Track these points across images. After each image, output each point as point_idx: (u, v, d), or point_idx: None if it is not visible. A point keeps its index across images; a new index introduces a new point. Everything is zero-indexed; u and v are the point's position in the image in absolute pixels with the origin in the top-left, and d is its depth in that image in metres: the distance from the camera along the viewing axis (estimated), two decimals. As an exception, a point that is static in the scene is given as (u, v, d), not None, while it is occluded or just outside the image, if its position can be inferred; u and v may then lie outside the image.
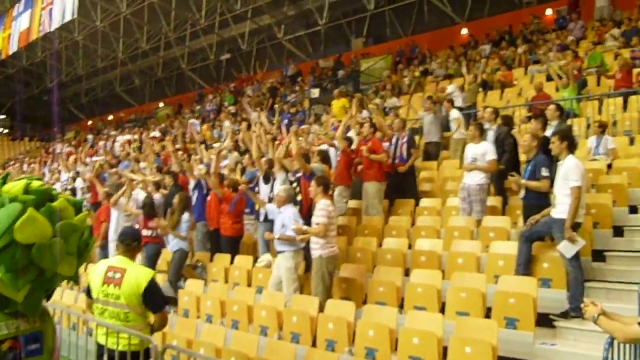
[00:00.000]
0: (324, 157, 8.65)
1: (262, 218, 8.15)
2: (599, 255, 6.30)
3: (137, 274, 4.19)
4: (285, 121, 16.10)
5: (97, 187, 11.33)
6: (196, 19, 27.64)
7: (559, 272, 5.72)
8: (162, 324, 4.37)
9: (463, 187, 7.64)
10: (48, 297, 2.64)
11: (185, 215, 8.17)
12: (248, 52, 29.80)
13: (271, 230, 7.19)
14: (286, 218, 6.84)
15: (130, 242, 4.47)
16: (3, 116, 40.14)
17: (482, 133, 7.85)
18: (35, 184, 2.54)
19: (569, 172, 5.58)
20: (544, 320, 5.44)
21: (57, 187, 14.52)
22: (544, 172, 6.16)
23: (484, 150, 7.55)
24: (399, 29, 24.41)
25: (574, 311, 5.19)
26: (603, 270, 6.12)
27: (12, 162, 28.62)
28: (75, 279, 2.64)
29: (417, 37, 22.38)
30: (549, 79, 12.59)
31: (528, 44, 15.78)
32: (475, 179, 7.49)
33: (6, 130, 39.43)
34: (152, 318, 4.34)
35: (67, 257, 2.44)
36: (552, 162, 6.16)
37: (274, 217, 7.16)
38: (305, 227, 6.58)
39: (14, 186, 2.46)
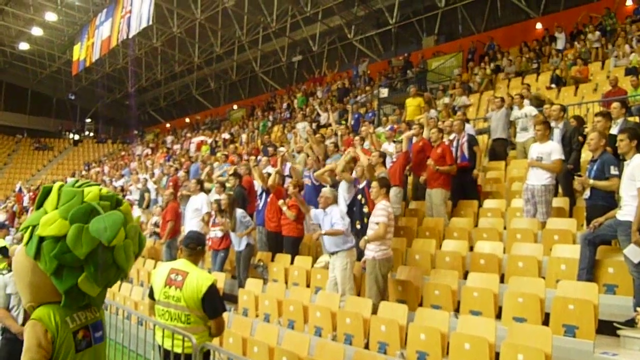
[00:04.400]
0: (384, 160, 8.54)
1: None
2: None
3: (198, 278, 4.23)
4: (353, 122, 16.12)
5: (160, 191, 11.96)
6: (268, 23, 28.03)
7: (625, 278, 5.40)
8: (219, 330, 4.37)
9: (527, 187, 7.36)
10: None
11: (239, 212, 8.45)
12: (319, 53, 29.98)
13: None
14: (334, 217, 6.98)
15: (195, 247, 4.51)
16: (89, 120, 42.30)
17: (549, 132, 7.55)
18: (104, 190, 2.69)
19: (636, 171, 5.26)
20: (607, 329, 5.17)
21: (135, 187, 15.18)
22: (613, 171, 5.85)
23: (550, 150, 7.25)
24: (471, 26, 23.85)
25: None
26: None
27: (93, 164, 30.02)
28: (126, 275, 2.78)
29: (490, 33, 21.70)
30: (628, 72, 11.97)
31: (604, 36, 15.07)
32: (540, 179, 7.21)
33: (92, 134, 41.51)
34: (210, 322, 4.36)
35: (132, 256, 2.65)
36: (619, 161, 5.84)
37: (319, 221, 7.28)
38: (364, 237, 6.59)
39: (90, 192, 2.60)
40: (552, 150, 7.24)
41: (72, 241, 2.40)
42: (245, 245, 8.48)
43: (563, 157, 7.29)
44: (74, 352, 2.49)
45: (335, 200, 7.26)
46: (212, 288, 4.22)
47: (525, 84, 13.45)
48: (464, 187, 8.87)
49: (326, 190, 7.37)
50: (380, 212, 6.36)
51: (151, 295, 4.51)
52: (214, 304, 4.26)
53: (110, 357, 6.00)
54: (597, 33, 15.35)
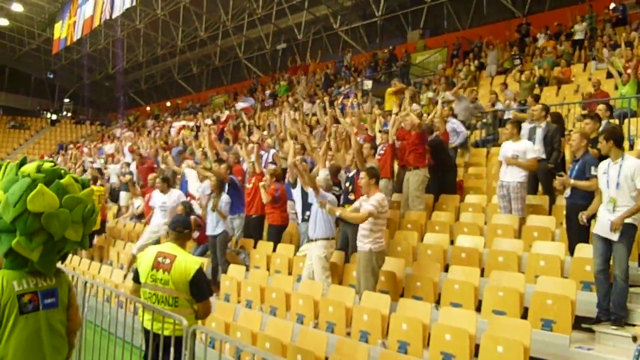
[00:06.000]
0: (375, 149, 8.55)
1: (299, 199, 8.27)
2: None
3: (186, 261, 4.33)
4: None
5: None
6: (253, 9, 27.94)
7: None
8: (206, 313, 4.50)
9: (502, 184, 7.48)
10: (62, 260, 3.16)
11: (225, 196, 8.45)
12: (304, 42, 29.89)
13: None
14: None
15: (182, 230, 4.60)
16: (67, 100, 41.70)
17: (519, 131, 7.71)
18: (47, 165, 3.05)
19: (636, 173, 5.18)
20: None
21: (114, 168, 15.06)
22: (594, 171, 5.96)
23: (524, 148, 7.41)
24: (456, 22, 23.99)
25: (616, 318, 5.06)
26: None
27: (70, 145, 29.61)
28: (83, 245, 3.11)
29: (475, 30, 21.91)
30: (609, 76, 12.18)
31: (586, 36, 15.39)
32: (515, 176, 7.34)
33: (70, 114, 40.93)
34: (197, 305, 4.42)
35: (72, 225, 2.95)
36: (599, 161, 5.96)
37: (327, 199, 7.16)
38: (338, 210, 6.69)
39: (29, 167, 2.99)
40: (527, 149, 7.40)
41: (2, 208, 2.84)
42: (221, 230, 8.45)
43: (538, 156, 7.45)
44: (18, 312, 2.82)
45: (328, 189, 7.28)
46: (200, 271, 4.32)
47: (504, 84, 13.77)
48: (443, 184, 8.96)
49: (320, 179, 7.41)
50: (373, 202, 6.23)
51: (136, 278, 4.58)
52: (201, 287, 4.35)
53: (89, 340, 5.89)
54: (584, 24, 15.57)
